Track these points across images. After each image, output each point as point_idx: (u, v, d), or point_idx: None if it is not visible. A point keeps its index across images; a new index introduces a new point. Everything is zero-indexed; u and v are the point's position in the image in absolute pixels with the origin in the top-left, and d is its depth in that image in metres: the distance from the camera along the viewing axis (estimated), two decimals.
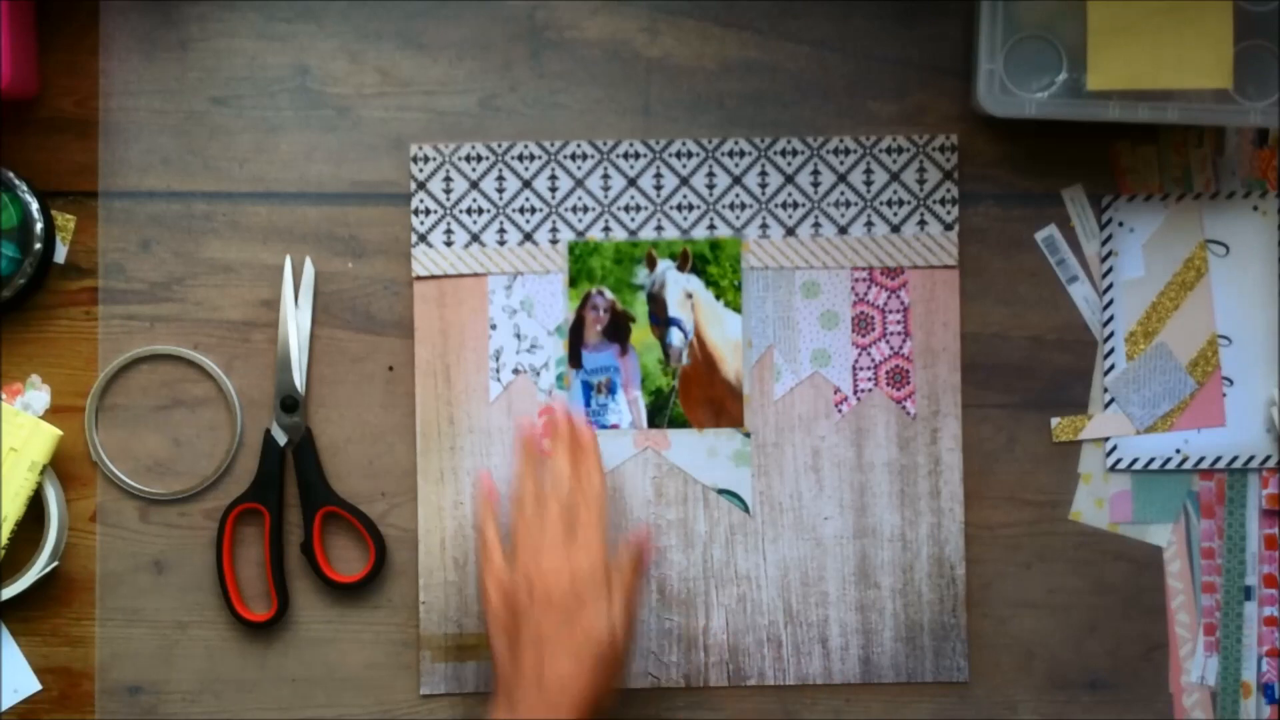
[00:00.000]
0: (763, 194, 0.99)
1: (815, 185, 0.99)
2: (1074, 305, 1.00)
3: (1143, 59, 0.93)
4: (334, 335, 0.99)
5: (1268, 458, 1.00)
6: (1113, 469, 1.00)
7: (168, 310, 0.99)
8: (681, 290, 0.99)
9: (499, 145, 0.98)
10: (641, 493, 0.99)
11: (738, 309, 0.99)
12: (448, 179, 0.98)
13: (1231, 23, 0.93)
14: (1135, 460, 1.00)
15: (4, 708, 0.98)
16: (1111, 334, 1.00)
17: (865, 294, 0.99)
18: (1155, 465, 1.00)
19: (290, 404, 0.98)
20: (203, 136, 0.99)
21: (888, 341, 0.99)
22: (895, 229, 0.99)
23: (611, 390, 0.99)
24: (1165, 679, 1.00)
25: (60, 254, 0.98)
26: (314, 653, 0.99)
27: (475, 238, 0.98)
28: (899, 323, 0.99)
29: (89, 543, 0.99)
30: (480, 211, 0.98)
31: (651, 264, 0.99)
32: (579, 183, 0.98)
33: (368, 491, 0.99)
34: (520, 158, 0.98)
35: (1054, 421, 1.00)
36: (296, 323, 0.98)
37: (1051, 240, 1.00)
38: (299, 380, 0.98)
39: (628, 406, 0.99)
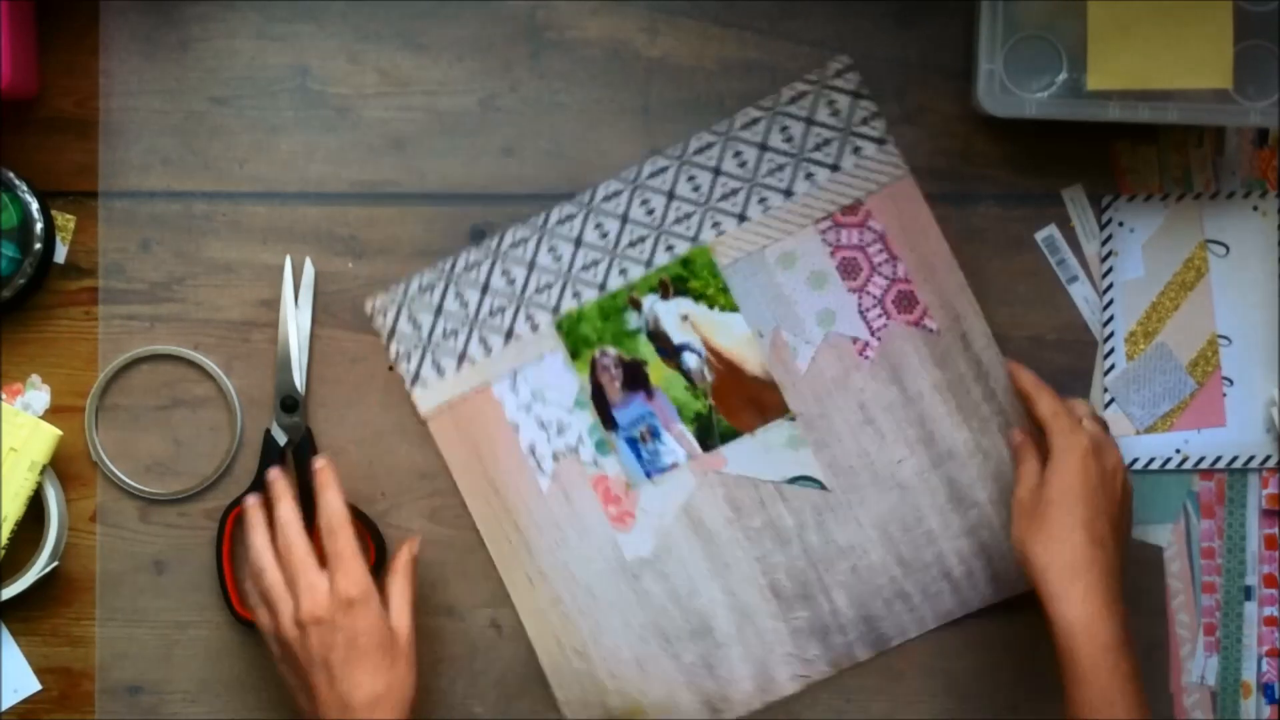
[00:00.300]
0: (699, 196, 0.98)
1: (742, 165, 0.98)
2: (1074, 305, 1.00)
3: (1143, 59, 0.93)
4: (334, 335, 0.99)
5: (1268, 458, 1.00)
6: None
7: (168, 310, 0.99)
8: (676, 316, 0.99)
9: (444, 264, 0.98)
10: (719, 514, 0.99)
11: (734, 308, 0.98)
12: (412, 317, 0.98)
13: (1231, 23, 0.93)
14: (1135, 460, 1.00)
15: (4, 708, 0.98)
16: (1111, 334, 1.00)
17: (838, 240, 0.98)
18: (1155, 465, 1.00)
19: (290, 404, 0.98)
20: (203, 136, 0.99)
21: (880, 273, 0.98)
22: (835, 168, 0.98)
23: (655, 434, 0.99)
24: (1165, 679, 1.00)
25: (60, 254, 0.98)
26: None
27: (462, 357, 0.98)
28: (881, 251, 0.98)
29: (89, 543, 0.99)
30: (455, 332, 0.98)
31: (637, 305, 0.98)
32: (531, 265, 0.98)
33: (368, 491, 0.99)
34: (467, 267, 0.98)
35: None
36: (296, 323, 0.98)
37: (1051, 240, 1.00)
38: (299, 380, 0.98)
39: (676, 443, 0.99)
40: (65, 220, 0.98)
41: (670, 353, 0.99)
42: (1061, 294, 1.00)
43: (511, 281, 0.98)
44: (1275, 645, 1.00)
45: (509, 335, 0.98)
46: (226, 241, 0.99)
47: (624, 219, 0.98)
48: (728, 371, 0.99)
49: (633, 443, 0.99)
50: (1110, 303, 1.00)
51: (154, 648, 0.99)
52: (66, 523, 0.98)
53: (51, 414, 0.98)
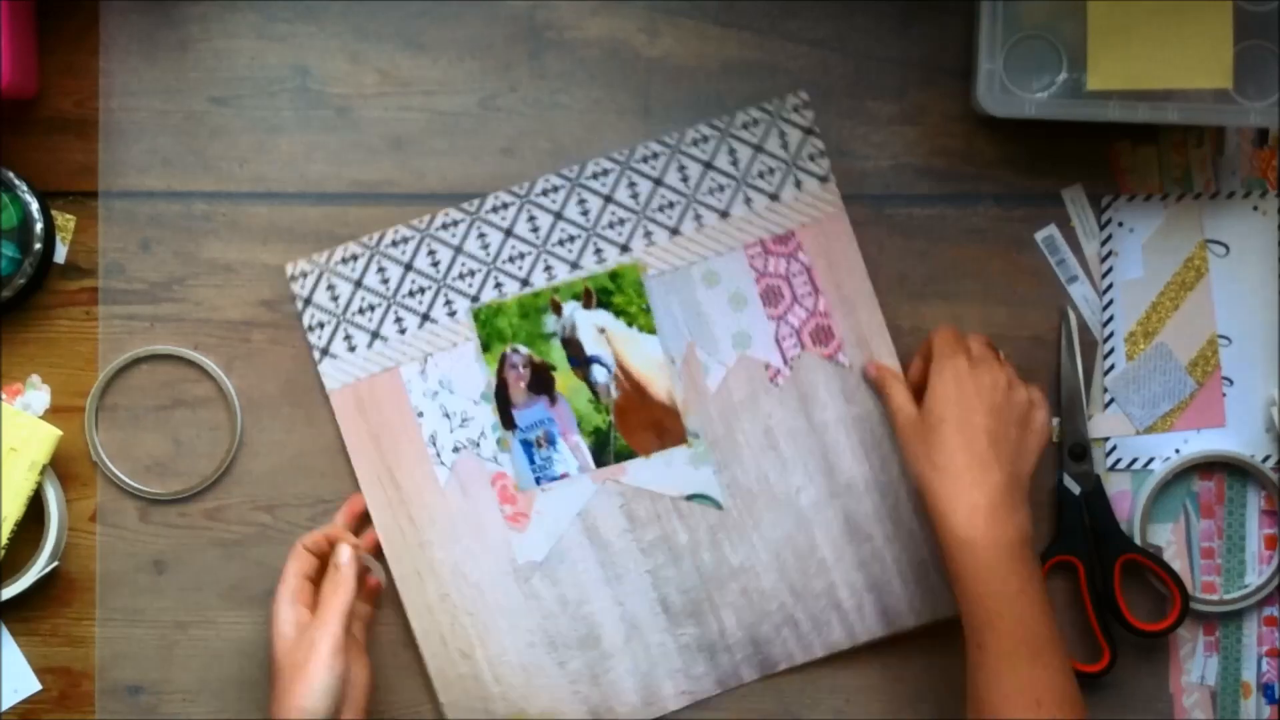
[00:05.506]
0: (636, 203, 0.98)
1: (685, 180, 0.98)
2: (1074, 305, 1.00)
3: (1143, 59, 0.93)
4: None
5: (1267, 457, 1.00)
6: (1113, 469, 1.00)
7: (168, 310, 0.99)
8: (593, 327, 0.98)
9: (370, 239, 0.97)
10: (615, 524, 0.98)
11: (652, 330, 0.98)
12: (331, 286, 0.97)
13: (1231, 23, 0.93)
14: (1135, 460, 1.00)
15: (4, 708, 0.98)
16: (1111, 334, 1.00)
17: (765, 267, 0.99)
18: (1155, 465, 1.00)
19: (1080, 451, 0.98)
20: (203, 136, 0.99)
21: (801, 305, 0.98)
22: (774, 197, 0.98)
23: (551, 441, 0.98)
24: (1165, 679, 1.00)
25: (60, 254, 0.98)
26: None
27: (375, 335, 0.98)
28: (806, 284, 0.98)
29: (89, 543, 0.99)
30: (372, 308, 0.98)
31: (558, 309, 0.98)
32: (457, 250, 0.98)
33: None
34: (394, 243, 0.97)
35: (1054, 421, 1.00)
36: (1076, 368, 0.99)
37: (1051, 240, 1.00)
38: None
39: (571, 453, 0.98)
40: (65, 220, 0.98)
41: (581, 362, 0.98)
42: (1061, 294, 1.00)
43: (436, 263, 0.98)
44: (1275, 645, 1.00)
45: (425, 318, 0.98)
46: (226, 241, 0.99)
47: (558, 215, 0.98)
48: (634, 391, 0.98)
49: (527, 446, 0.98)
50: (1110, 303, 1.00)
51: (154, 648, 0.99)
52: (66, 523, 0.98)
53: (51, 414, 0.98)
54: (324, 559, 0.93)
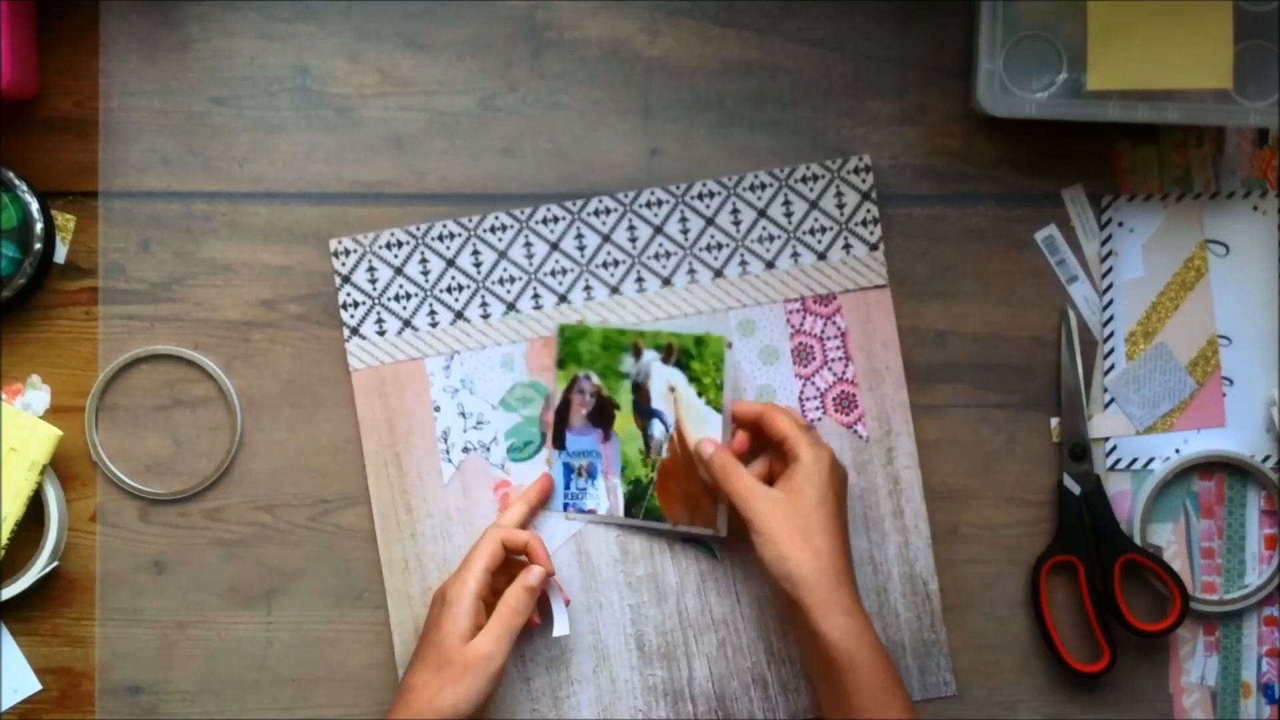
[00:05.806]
0: (685, 239, 0.98)
1: (736, 224, 0.98)
2: (1074, 305, 1.00)
3: (1143, 59, 0.93)
4: (334, 336, 0.99)
5: (1267, 457, 1.00)
6: (1113, 469, 1.00)
7: (168, 310, 0.99)
8: (665, 383, 0.98)
9: (417, 228, 0.98)
10: (607, 553, 0.98)
11: (718, 408, 0.97)
12: (371, 269, 0.98)
13: (1231, 23, 0.93)
14: (1135, 460, 1.00)
15: (4, 708, 0.98)
16: (1111, 334, 1.00)
17: (801, 324, 0.99)
18: (1155, 465, 1.00)
19: (1080, 451, 0.98)
20: (203, 136, 0.99)
21: (830, 369, 0.99)
22: (821, 256, 0.98)
23: (591, 475, 0.98)
24: (1165, 679, 1.00)
25: (60, 254, 0.98)
26: (314, 653, 0.99)
27: (407, 323, 0.98)
28: (839, 348, 0.98)
29: (89, 543, 0.99)
30: (408, 296, 0.98)
31: (638, 353, 0.98)
32: (502, 254, 0.98)
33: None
34: (440, 237, 0.98)
35: (1054, 421, 1.00)
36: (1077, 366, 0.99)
37: (1051, 240, 1.00)
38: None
39: (606, 493, 0.98)
40: (65, 220, 0.98)
41: (644, 411, 0.98)
42: (1061, 294, 1.00)
43: (478, 264, 0.98)
44: (1275, 645, 1.00)
45: (459, 316, 0.98)
46: (226, 241, 0.99)
47: (605, 238, 0.98)
48: (683, 459, 0.98)
49: (568, 470, 0.98)
50: (1110, 303, 1.00)
51: (154, 648, 0.99)
52: (66, 523, 0.98)
53: (51, 414, 0.98)
54: (509, 556, 0.94)
